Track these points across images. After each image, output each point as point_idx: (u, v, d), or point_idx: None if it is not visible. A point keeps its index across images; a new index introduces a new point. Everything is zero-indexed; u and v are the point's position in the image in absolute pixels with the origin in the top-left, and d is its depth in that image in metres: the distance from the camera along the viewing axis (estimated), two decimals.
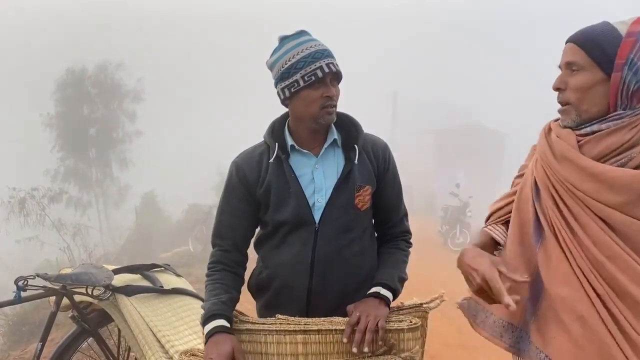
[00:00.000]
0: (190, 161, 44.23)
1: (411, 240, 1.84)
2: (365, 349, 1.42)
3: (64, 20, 70.02)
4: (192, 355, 1.60)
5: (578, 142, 1.29)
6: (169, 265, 2.85)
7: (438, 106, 42.86)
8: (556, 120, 1.40)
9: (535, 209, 1.38)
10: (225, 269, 1.66)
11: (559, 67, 1.32)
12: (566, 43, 1.30)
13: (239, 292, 1.67)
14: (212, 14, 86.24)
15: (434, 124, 35.22)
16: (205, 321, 1.52)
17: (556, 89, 1.32)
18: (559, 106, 1.34)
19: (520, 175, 1.55)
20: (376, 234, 1.83)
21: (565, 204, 1.29)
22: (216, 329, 1.48)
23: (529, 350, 1.38)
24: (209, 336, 1.48)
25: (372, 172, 1.68)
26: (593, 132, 1.27)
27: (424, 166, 28.76)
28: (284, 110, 1.73)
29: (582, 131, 1.29)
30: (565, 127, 1.33)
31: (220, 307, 1.54)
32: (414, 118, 38.55)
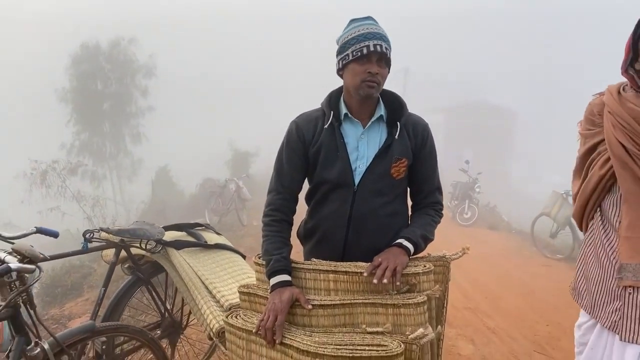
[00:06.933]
0: (202, 137, 44.29)
1: (443, 212, 2.06)
2: (385, 281, 1.64)
3: None
4: (248, 287, 1.93)
5: None
6: (209, 225, 3.17)
7: (449, 83, 42.66)
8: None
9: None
10: (283, 219, 1.94)
11: None
12: None
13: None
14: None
15: (445, 101, 35.14)
16: (271, 274, 1.80)
17: None
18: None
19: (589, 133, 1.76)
20: (411, 204, 2.07)
21: None
22: (280, 284, 1.77)
23: None
24: (274, 288, 1.78)
25: (410, 148, 1.92)
26: None
27: (435, 143, 28.79)
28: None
29: None
30: None
31: (283, 264, 1.82)
32: (425, 95, 38.39)
